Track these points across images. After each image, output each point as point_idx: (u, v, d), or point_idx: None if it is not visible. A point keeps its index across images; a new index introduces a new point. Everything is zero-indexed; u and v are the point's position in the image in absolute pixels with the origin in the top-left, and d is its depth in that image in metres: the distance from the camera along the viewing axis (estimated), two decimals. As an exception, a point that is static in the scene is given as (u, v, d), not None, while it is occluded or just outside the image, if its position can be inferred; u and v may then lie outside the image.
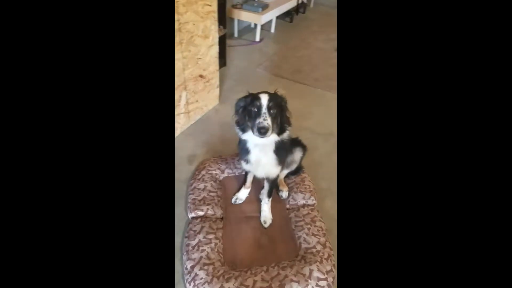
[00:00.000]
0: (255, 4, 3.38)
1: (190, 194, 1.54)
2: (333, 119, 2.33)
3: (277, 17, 3.97)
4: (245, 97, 1.22)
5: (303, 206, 1.54)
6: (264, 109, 1.14)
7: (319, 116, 2.36)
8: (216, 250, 1.29)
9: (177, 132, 1.99)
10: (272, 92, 1.22)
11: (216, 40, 2.00)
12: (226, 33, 2.87)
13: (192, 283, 1.17)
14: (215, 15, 1.87)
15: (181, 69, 1.76)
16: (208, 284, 1.15)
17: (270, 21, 3.81)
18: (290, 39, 3.74)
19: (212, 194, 1.54)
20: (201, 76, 1.99)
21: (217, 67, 2.15)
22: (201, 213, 1.43)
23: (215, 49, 2.03)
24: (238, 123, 1.25)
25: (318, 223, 1.44)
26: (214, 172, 1.67)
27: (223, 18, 2.70)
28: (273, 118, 1.15)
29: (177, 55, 1.68)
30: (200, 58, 1.90)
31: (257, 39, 3.52)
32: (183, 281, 1.23)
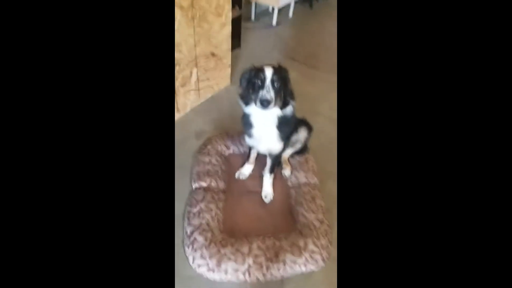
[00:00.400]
0: (274, -13, 3.34)
1: (195, 166, 1.59)
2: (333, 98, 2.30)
3: (297, 2, 3.90)
4: (250, 70, 1.23)
5: (305, 184, 1.56)
6: (267, 82, 1.15)
7: (330, 101, 2.34)
8: (216, 218, 1.34)
9: (187, 109, 2.04)
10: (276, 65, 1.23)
11: (229, 19, 2.00)
12: (242, 15, 2.86)
13: (190, 247, 1.23)
14: (229, -7, 1.87)
15: (192, 45, 1.79)
16: (205, 248, 1.21)
17: (289, 6, 3.75)
18: (308, 24, 3.67)
19: (216, 168, 1.58)
20: (213, 54, 2.01)
21: (230, 47, 2.16)
22: (204, 184, 1.48)
23: (228, 28, 2.04)
24: (242, 96, 1.27)
25: (318, 201, 1.45)
26: (219, 147, 1.71)
27: (239, 0, 2.69)
28: (277, 91, 1.17)
29: (189, 31, 1.71)
30: (212, 35, 1.92)
31: (274, 23, 3.49)
32: (183, 245, 1.29)
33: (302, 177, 1.59)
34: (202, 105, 2.15)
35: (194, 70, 1.92)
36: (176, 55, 1.69)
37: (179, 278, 1.19)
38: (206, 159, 1.61)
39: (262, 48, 3.02)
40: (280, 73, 1.19)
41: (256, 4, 3.52)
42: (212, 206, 1.38)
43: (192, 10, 1.65)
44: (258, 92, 1.16)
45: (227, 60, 2.21)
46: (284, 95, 1.22)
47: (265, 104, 1.13)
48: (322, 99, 2.35)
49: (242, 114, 1.35)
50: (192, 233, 1.27)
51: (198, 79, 1.99)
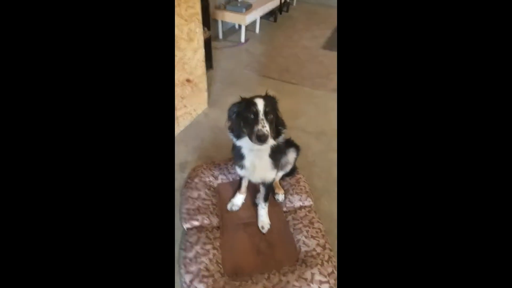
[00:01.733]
0: (239, 5, 3.35)
1: (183, 204, 1.49)
2: (324, 117, 2.32)
3: (261, 17, 3.94)
4: (239, 102, 1.18)
5: (300, 208, 1.52)
6: (261, 115, 1.09)
7: (309, 114, 2.35)
8: (215, 261, 1.26)
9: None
10: (263, 94, 1.19)
11: (202, 43, 1.95)
12: (211, 35, 2.82)
13: (191, 296, 1.13)
14: (199, 17, 1.83)
15: (167, 74, 1.70)
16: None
17: (255, 22, 3.78)
18: (276, 38, 3.72)
19: (206, 202, 1.49)
20: (188, 80, 1.94)
21: (204, 71, 2.10)
22: (196, 223, 1.39)
23: (201, 52, 1.99)
24: (232, 130, 1.21)
25: (316, 225, 1.42)
26: (207, 179, 1.62)
27: (207, 20, 2.65)
28: (270, 123, 1.12)
29: (162, 61, 1.63)
30: (186, 62, 1.85)
31: (243, 40, 3.49)
32: (182, 296, 1.18)
33: (296, 201, 1.55)
34: (181, 133, 2.06)
35: (170, 99, 1.83)
36: (151, 87, 1.60)
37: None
38: (195, 194, 1.52)
39: (235, 67, 2.99)
40: (271, 103, 1.15)
41: (222, 22, 3.50)
42: (209, 247, 1.29)
43: (163, 39, 1.58)
44: (252, 126, 1.10)
45: (203, 84, 2.14)
46: (276, 125, 1.18)
47: (262, 139, 1.07)
48: (298, 113, 2.36)
49: (232, 145, 1.29)
50: (191, 282, 1.17)
51: (175, 107, 1.90)
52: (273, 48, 3.45)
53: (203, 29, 2.57)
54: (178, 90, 1.87)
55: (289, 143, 1.55)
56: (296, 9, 4.89)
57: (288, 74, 2.92)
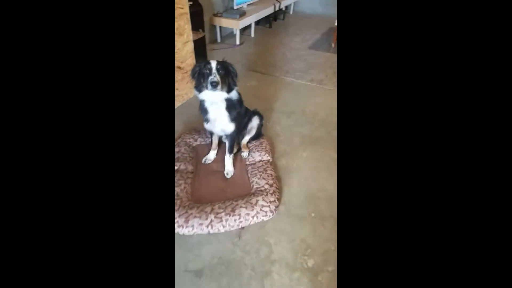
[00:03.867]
0: (234, 12, 3.84)
1: (167, 156, 1.90)
2: (296, 101, 2.70)
3: (257, 24, 4.41)
4: (199, 63, 1.60)
5: (259, 161, 1.89)
6: (214, 70, 1.51)
7: (285, 99, 2.73)
8: (184, 191, 1.64)
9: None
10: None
11: (190, 37, 2.41)
12: (209, 38, 3.30)
13: (164, 212, 1.52)
14: (188, 16, 2.29)
15: (159, 60, 2.16)
16: (176, 211, 1.50)
17: (250, 27, 4.26)
18: (268, 41, 4.17)
19: (185, 155, 1.90)
20: (179, 67, 2.39)
21: (194, 61, 2.55)
22: (176, 167, 1.79)
23: (190, 45, 2.44)
24: (195, 86, 1.62)
25: (269, 171, 1.78)
26: (188, 140, 2.03)
27: (201, 23, 3.14)
28: (222, 77, 1.53)
29: (155, 48, 2.08)
30: (177, 52, 2.31)
31: (237, 42, 3.96)
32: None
33: (257, 156, 1.92)
34: (176, 110, 2.49)
35: (163, 81, 2.28)
36: (146, 68, 2.05)
37: (156, 238, 1.46)
38: (176, 149, 1.93)
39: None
40: (223, 64, 1.57)
41: (220, 28, 4.00)
42: (181, 182, 1.68)
43: (156, 31, 2.04)
44: (207, 78, 1.51)
45: (193, 72, 2.58)
46: (228, 81, 1.59)
47: (213, 85, 1.48)
48: (276, 98, 2.75)
49: (199, 105, 1.70)
50: (164, 202, 1.56)
51: (167, 89, 2.34)
52: (264, 49, 3.89)
53: (198, 31, 3.06)
54: (170, 74, 2.31)
55: (254, 113, 1.96)
56: (292, 17, 5.37)
57: (273, 69, 3.33)
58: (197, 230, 1.45)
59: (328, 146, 2.14)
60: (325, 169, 1.93)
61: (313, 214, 1.63)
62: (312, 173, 1.90)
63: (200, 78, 1.58)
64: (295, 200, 1.71)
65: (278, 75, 3.19)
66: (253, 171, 1.81)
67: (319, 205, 1.68)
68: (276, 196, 1.63)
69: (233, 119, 1.68)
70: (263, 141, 2.04)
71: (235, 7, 3.96)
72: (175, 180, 1.69)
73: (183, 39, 2.33)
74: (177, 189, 1.63)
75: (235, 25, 3.78)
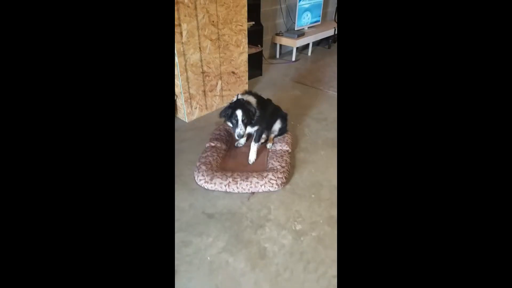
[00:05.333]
0: (294, 32, 4.35)
1: (210, 136, 2.43)
2: (332, 111, 3.00)
3: (318, 44, 4.83)
4: (227, 110, 1.97)
5: (279, 150, 2.27)
6: (240, 122, 1.92)
7: (321, 108, 3.06)
8: (215, 160, 2.13)
9: (213, 108, 2.96)
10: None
11: (246, 49, 2.97)
12: (269, 54, 3.85)
13: (196, 171, 2.02)
14: (245, 32, 2.86)
15: (218, 64, 2.76)
16: (205, 171, 1.98)
17: (308, 46, 4.71)
18: (323, 60, 4.54)
19: (222, 136, 2.40)
20: (233, 72, 2.96)
21: (246, 69, 3.10)
22: (212, 144, 2.30)
23: (245, 56, 3.00)
24: (225, 121, 2.10)
25: (284, 158, 2.14)
26: (227, 127, 2.55)
27: (260, 40, 3.72)
28: (245, 124, 1.95)
29: (216, 55, 2.69)
30: (233, 60, 2.89)
31: (293, 59, 4.44)
32: (193, 173, 2.07)
33: (278, 146, 2.31)
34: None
35: (219, 82, 2.87)
36: (207, 69, 2.67)
37: (189, 188, 1.96)
38: (217, 132, 2.45)
39: (278, 76, 3.93)
40: (247, 112, 1.94)
41: (280, 46, 4.55)
42: (215, 155, 2.18)
43: (218, 41, 2.66)
44: (235, 129, 1.95)
45: (245, 78, 3.14)
46: (250, 119, 1.99)
47: (240, 136, 1.96)
48: (313, 106, 3.09)
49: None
50: (199, 165, 2.06)
51: (222, 88, 2.93)
52: (316, 67, 4.27)
53: (257, 46, 3.64)
54: (225, 77, 2.90)
55: (279, 115, 2.37)
56: (353, 40, 5.61)
57: (319, 83, 3.69)
58: (217, 187, 1.91)
59: (346, 149, 2.39)
60: (335, 167, 2.19)
61: (313, 196, 1.92)
62: (323, 167, 2.19)
63: (227, 118, 2.01)
64: (301, 184, 2.03)
65: (322, 88, 3.53)
66: (272, 155, 2.20)
67: (320, 190, 1.96)
68: (285, 175, 1.98)
69: (254, 125, 2.09)
70: (286, 136, 2.42)
71: (296, 29, 4.47)
72: (211, 153, 2.19)
73: (239, 50, 2.91)
74: (210, 158, 2.12)
75: (293, 43, 4.27)
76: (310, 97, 3.29)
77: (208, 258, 1.52)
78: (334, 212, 1.79)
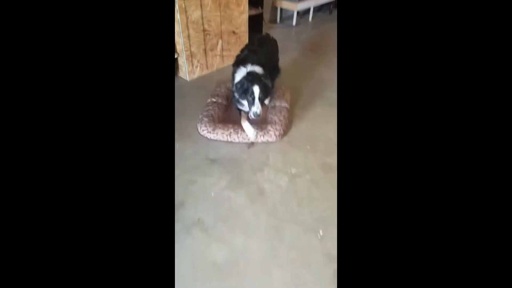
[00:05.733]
0: (295, -4, 4.28)
1: (212, 92, 2.52)
2: (331, 73, 3.07)
3: (319, 10, 4.76)
4: (244, 83, 1.88)
5: (278, 106, 2.37)
6: (257, 100, 1.84)
7: (319, 71, 3.13)
8: (217, 114, 2.24)
9: (214, 68, 3.02)
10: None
11: (246, 9, 2.97)
12: (270, 18, 3.83)
13: (199, 123, 2.14)
14: (246, -8, 2.86)
15: (218, 23, 2.78)
16: (207, 123, 2.10)
17: (309, 11, 4.65)
18: (323, 26, 4.52)
19: (223, 93, 2.49)
20: (233, 32, 2.99)
21: (247, 29, 3.12)
22: (214, 100, 2.40)
23: (245, 16, 3.01)
24: (236, 101, 2.05)
25: (283, 113, 2.26)
26: (228, 85, 2.63)
27: (261, 2, 3.69)
28: (262, 101, 1.88)
29: (216, 13, 2.71)
30: (233, 19, 2.90)
31: (294, 23, 4.41)
32: (196, 125, 2.19)
33: (277, 103, 2.41)
34: (224, 68, 3.12)
35: (220, 41, 2.91)
36: (207, 27, 2.70)
37: (194, 139, 2.09)
38: (218, 89, 2.54)
39: (278, 39, 3.90)
40: (265, 87, 1.88)
41: (281, 10, 4.50)
42: (216, 109, 2.28)
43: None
44: (251, 106, 1.87)
45: (245, 39, 3.16)
46: (265, 97, 1.96)
47: (256, 116, 1.86)
48: (313, 69, 3.15)
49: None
50: (202, 117, 2.18)
51: (222, 48, 2.97)
52: (317, 32, 4.26)
53: (257, 7, 3.62)
54: (225, 36, 2.93)
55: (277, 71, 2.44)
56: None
57: (318, 47, 3.71)
58: (219, 137, 2.04)
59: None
60: (332, 123, 2.32)
61: (308, 147, 2.06)
62: (319, 123, 2.31)
63: (242, 95, 1.92)
64: (298, 136, 2.16)
65: (322, 52, 3.56)
66: (271, 111, 2.31)
67: (315, 143, 2.10)
68: (283, 128, 2.11)
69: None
70: (286, 92, 2.52)
71: (297, -8, 4.39)
72: (212, 107, 2.29)
73: (240, 9, 2.91)
74: (212, 112, 2.23)
75: (293, 7, 4.22)
76: (309, 60, 3.34)
77: (212, 194, 1.68)
78: (327, 160, 1.94)
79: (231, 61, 3.14)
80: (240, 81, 1.91)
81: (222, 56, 3.03)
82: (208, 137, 2.06)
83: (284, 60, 3.31)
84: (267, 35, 2.60)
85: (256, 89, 1.82)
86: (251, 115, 1.87)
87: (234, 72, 2.11)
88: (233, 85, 2.03)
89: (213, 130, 2.06)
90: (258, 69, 1.99)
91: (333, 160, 1.94)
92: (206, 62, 2.91)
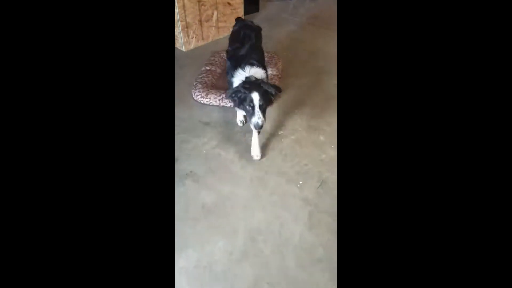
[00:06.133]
0: (292, -32, 4.23)
1: (206, 61, 2.63)
2: (320, 42, 3.13)
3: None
4: (239, 90, 1.54)
5: (270, 74, 2.48)
6: (257, 108, 1.48)
7: (315, 43, 3.19)
8: (210, 81, 2.36)
9: (209, 39, 3.10)
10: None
11: (241, -21, 3.01)
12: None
13: (194, 89, 2.27)
14: (240, -39, 2.88)
15: (214, -7, 2.83)
16: (201, 89, 2.23)
17: (307, -16, 4.60)
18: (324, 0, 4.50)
19: (217, 62, 2.60)
20: (228, 3, 3.04)
21: (242, 1, 3.16)
22: (208, 68, 2.51)
23: (240, -14, 3.05)
24: (234, 105, 1.73)
25: (274, 80, 2.37)
26: (222, 54, 2.72)
27: (257, -28, 3.68)
28: (263, 109, 1.52)
29: (211, -17, 2.76)
30: (228, -10, 2.95)
31: (291, -4, 4.39)
32: (191, 90, 2.31)
33: (269, 71, 2.50)
34: (220, 39, 3.19)
35: (215, 12, 2.97)
36: (202, -3, 2.76)
37: (188, 104, 2.23)
38: (212, 58, 2.64)
39: (275, 12, 3.95)
40: (265, 93, 1.52)
41: (279, -18, 4.46)
42: (209, 76, 2.40)
43: (213, -31, 2.70)
44: (251, 117, 1.50)
45: (240, 10, 3.21)
46: (268, 104, 1.60)
47: (258, 127, 1.50)
48: (310, 40, 3.22)
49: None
50: (196, 84, 2.30)
51: (217, 19, 3.04)
52: (315, 5, 4.25)
53: (253, -22, 3.60)
54: (220, 8, 2.98)
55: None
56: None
57: (316, 20, 3.74)
58: (212, 102, 2.18)
59: (326, 70, 2.60)
60: (321, 90, 2.43)
61: (296, 111, 2.19)
62: (308, 90, 2.43)
63: (240, 105, 1.61)
64: (287, 102, 2.29)
65: (319, 25, 3.60)
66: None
67: (303, 108, 2.23)
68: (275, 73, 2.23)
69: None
70: (278, 63, 2.61)
71: (295, -37, 4.34)
72: (206, 74, 2.41)
73: (234, -20, 2.95)
74: (205, 79, 2.36)
75: (291, -21, 4.20)
76: (306, 33, 3.39)
77: (204, 151, 1.84)
78: (312, 123, 2.08)
79: (226, 32, 3.22)
80: (235, 90, 1.59)
81: (217, 28, 3.10)
82: (202, 102, 2.20)
83: (280, 33, 3.37)
84: (251, 23, 2.27)
85: (255, 97, 1.49)
86: (253, 127, 1.54)
87: (231, 76, 1.76)
88: (230, 90, 1.65)
89: (206, 95, 2.19)
90: (258, 71, 1.71)
91: (316, 123, 2.07)
92: (202, 33, 2.99)
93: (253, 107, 1.50)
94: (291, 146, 1.89)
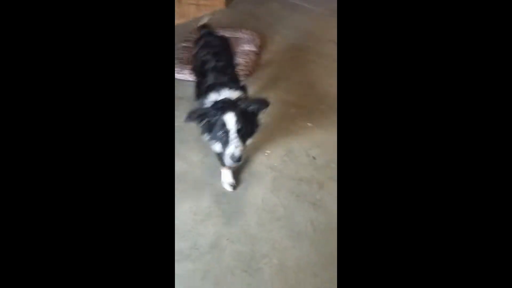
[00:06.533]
0: None
1: (183, 38, 2.63)
2: (304, 22, 3.13)
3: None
4: (207, 112, 1.16)
5: (247, 50, 2.50)
6: (233, 135, 1.07)
7: (294, 19, 3.19)
8: (186, 57, 2.38)
9: (189, 18, 3.08)
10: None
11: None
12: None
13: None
14: None
15: (191, -31, 2.80)
16: (176, 64, 2.26)
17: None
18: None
19: (194, 39, 2.61)
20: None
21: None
22: (184, 44, 2.52)
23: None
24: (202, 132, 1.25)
25: (250, 56, 2.40)
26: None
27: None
28: (242, 136, 1.09)
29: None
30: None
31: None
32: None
33: (246, 47, 2.54)
34: (200, 18, 3.17)
35: (194, -11, 2.94)
36: (180, -27, 2.73)
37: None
38: (189, 35, 2.65)
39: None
40: (245, 113, 1.12)
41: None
42: (186, 52, 2.42)
43: None
44: (224, 147, 1.10)
45: (221, -12, 3.18)
46: (249, 132, 1.17)
47: (235, 160, 1.07)
48: (288, 18, 3.21)
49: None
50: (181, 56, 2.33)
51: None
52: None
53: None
54: (200, -15, 2.95)
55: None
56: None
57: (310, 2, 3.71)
58: (186, 77, 2.21)
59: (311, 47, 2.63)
60: (301, 65, 2.46)
61: (270, 85, 2.23)
62: (287, 66, 2.46)
63: (208, 130, 1.20)
64: (264, 77, 2.33)
65: (299, 3, 3.58)
66: (239, 54, 2.44)
67: (280, 83, 2.27)
68: (249, 69, 2.26)
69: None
70: (256, 39, 2.63)
71: None
72: (182, 51, 2.43)
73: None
74: (181, 55, 2.38)
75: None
76: (286, 10, 3.37)
77: (176, 123, 1.88)
78: (286, 97, 2.13)
79: (207, 10, 3.20)
80: (202, 112, 1.19)
81: (198, 5, 3.08)
82: (176, 77, 2.23)
83: (260, 10, 3.34)
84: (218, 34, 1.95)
85: (230, 118, 1.11)
86: (227, 161, 1.13)
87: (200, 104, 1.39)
88: (194, 110, 1.26)
89: (181, 70, 2.22)
90: (233, 94, 1.29)
91: (291, 97, 2.12)
92: (181, 11, 2.97)
93: (227, 134, 1.10)
94: (263, 119, 1.94)
